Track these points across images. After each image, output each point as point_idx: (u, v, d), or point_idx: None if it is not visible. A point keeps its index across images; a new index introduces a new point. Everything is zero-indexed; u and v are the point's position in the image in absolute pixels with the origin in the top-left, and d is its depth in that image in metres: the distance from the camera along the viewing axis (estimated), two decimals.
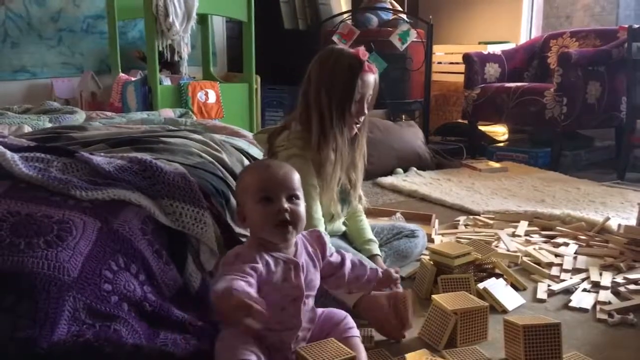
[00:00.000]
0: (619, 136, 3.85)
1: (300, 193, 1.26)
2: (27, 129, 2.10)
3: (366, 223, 1.80)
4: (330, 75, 1.61)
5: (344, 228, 1.82)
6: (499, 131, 4.55)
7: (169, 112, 2.73)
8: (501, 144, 4.27)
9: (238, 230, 1.66)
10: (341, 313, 1.34)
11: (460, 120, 4.48)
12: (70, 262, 1.19)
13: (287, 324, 1.23)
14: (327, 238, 1.35)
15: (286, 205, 1.21)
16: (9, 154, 1.42)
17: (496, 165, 3.68)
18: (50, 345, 1.10)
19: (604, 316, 1.62)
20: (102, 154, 1.68)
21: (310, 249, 1.31)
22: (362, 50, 1.62)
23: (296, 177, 1.27)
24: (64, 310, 1.14)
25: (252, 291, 1.06)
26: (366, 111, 1.65)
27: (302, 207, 1.25)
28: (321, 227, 1.58)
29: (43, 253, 1.16)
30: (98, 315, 1.20)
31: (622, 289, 1.78)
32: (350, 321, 1.34)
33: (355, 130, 1.67)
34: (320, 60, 1.65)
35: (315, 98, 1.62)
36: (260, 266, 1.17)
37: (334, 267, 1.35)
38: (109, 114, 2.63)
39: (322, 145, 1.60)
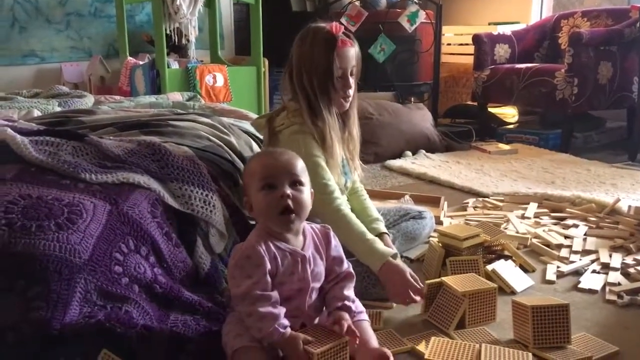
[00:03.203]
0: (630, 117, 3.81)
1: (304, 179, 1.25)
2: (36, 113, 2.11)
3: (370, 202, 1.80)
4: (308, 54, 1.60)
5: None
6: (509, 113, 4.51)
7: (177, 96, 2.73)
8: (511, 126, 4.24)
9: (246, 212, 1.67)
10: (350, 297, 1.34)
11: (469, 102, 4.45)
12: (81, 244, 1.20)
13: (293, 313, 1.23)
14: (335, 240, 1.33)
15: (289, 191, 1.21)
16: (19, 137, 1.43)
17: (506, 147, 3.65)
18: (63, 326, 1.12)
19: (614, 297, 1.62)
20: (111, 137, 1.68)
21: (317, 241, 1.30)
22: (336, 25, 1.60)
23: (299, 164, 1.26)
24: (75, 292, 1.15)
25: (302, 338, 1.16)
26: (352, 84, 1.63)
27: (306, 193, 1.24)
28: (337, 193, 1.58)
29: (54, 235, 1.17)
30: (109, 296, 1.22)
31: (631, 270, 1.78)
32: (359, 305, 1.34)
33: (346, 105, 1.66)
34: (299, 42, 1.63)
35: (298, 79, 1.62)
36: (268, 266, 1.19)
37: (336, 273, 1.31)
38: (117, 97, 2.64)
39: (315, 122, 1.60)
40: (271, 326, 1.15)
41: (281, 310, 1.18)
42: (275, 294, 1.19)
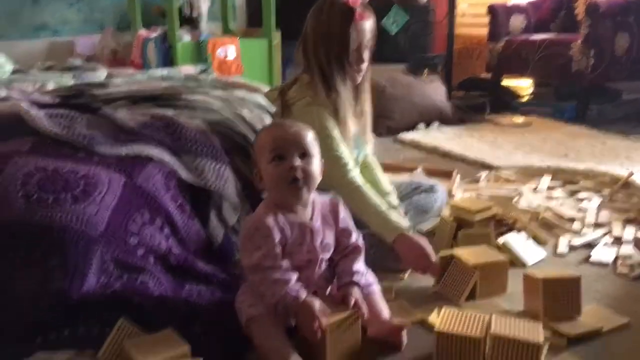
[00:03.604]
0: None
1: (313, 151, 1.25)
2: (50, 86, 2.13)
3: (382, 175, 1.80)
4: (324, 27, 1.58)
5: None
6: (524, 85, 4.46)
7: (189, 69, 2.73)
8: (525, 99, 4.19)
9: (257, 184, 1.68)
10: (360, 271, 1.34)
11: (483, 75, 4.40)
12: (97, 216, 1.22)
13: (303, 284, 1.24)
14: (344, 212, 1.33)
15: (297, 162, 1.22)
16: (34, 110, 1.44)
17: (520, 120, 3.62)
18: (81, 296, 1.15)
19: (625, 270, 1.62)
20: (124, 110, 1.70)
21: (326, 212, 1.31)
22: None
23: (309, 135, 1.26)
24: (92, 262, 1.18)
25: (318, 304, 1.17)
26: (366, 58, 1.63)
27: (315, 165, 1.24)
28: (350, 165, 1.58)
29: (71, 208, 1.19)
30: (125, 267, 1.24)
31: None
32: (370, 276, 1.36)
33: (359, 78, 1.65)
34: (314, 13, 1.62)
35: (312, 51, 1.61)
36: (278, 236, 1.20)
37: (345, 246, 1.33)
38: (130, 70, 2.65)
39: (329, 95, 1.59)
40: (283, 289, 1.17)
41: (293, 276, 1.20)
42: (286, 262, 1.21)
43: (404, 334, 1.25)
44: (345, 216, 1.33)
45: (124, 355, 1.11)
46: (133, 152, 1.43)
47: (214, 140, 1.59)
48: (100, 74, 2.45)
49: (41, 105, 1.55)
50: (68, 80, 2.30)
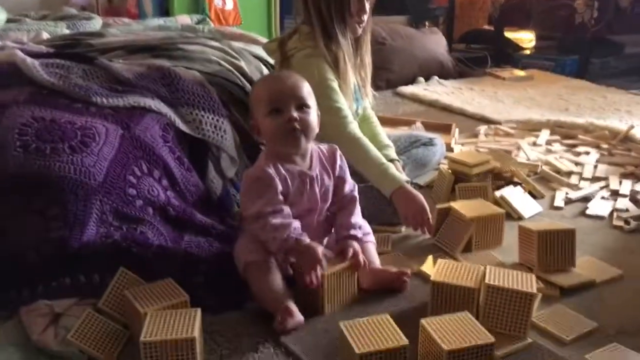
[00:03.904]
0: None
1: (310, 102, 1.26)
2: (45, 35, 2.09)
3: (381, 129, 1.80)
4: None
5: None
6: (526, 38, 4.39)
7: (185, 19, 2.68)
8: (527, 52, 4.13)
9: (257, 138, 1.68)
10: (357, 224, 1.35)
11: (486, 27, 4.33)
12: (95, 167, 1.22)
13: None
14: (341, 160, 1.35)
15: (295, 114, 1.22)
16: (29, 60, 1.42)
17: (521, 73, 3.58)
18: (81, 245, 1.16)
19: (620, 223, 1.63)
20: (120, 60, 1.67)
21: (324, 160, 1.32)
22: None
23: (305, 86, 1.27)
24: (91, 212, 1.19)
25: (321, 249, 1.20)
26: (367, 9, 1.60)
27: (312, 115, 1.26)
28: (350, 117, 1.58)
29: (69, 158, 1.19)
30: (125, 218, 1.25)
31: None
32: (366, 227, 1.38)
33: (360, 30, 1.63)
34: None
35: (313, 1, 1.58)
36: (280, 186, 1.21)
37: (342, 195, 1.34)
38: (125, 20, 2.60)
39: (329, 46, 1.58)
40: (285, 233, 1.18)
41: (295, 222, 1.21)
42: (287, 209, 1.22)
43: (407, 279, 1.29)
44: (342, 164, 1.35)
45: (125, 303, 1.14)
46: (130, 103, 1.41)
47: (212, 92, 1.57)
48: (96, 23, 2.41)
49: (36, 55, 1.53)
50: (63, 29, 2.26)
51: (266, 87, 1.28)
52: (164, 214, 1.35)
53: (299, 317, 1.15)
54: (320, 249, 1.19)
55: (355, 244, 1.28)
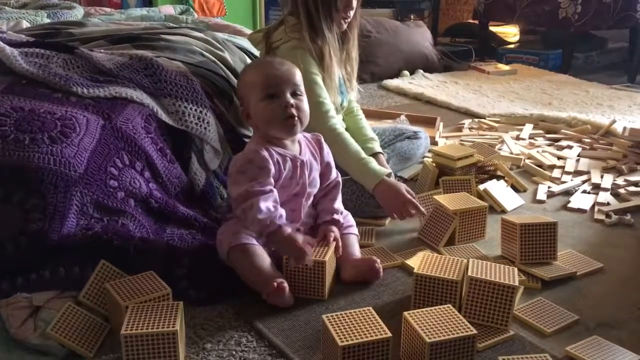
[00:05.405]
0: (633, 37, 3.73)
1: (302, 89, 1.28)
2: (25, 24, 2.05)
3: (365, 122, 1.80)
4: None
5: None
6: (510, 32, 4.41)
7: (169, 9, 2.65)
8: (511, 46, 4.15)
9: (241, 130, 1.67)
10: (339, 210, 1.38)
11: (470, 21, 4.34)
12: (76, 158, 1.20)
13: (288, 218, 1.26)
14: (327, 147, 1.38)
15: (292, 100, 1.24)
16: (8, 49, 1.39)
17: (505, 67, 3.60)
18: (61, 238, 1.14)
19: (602, 217, 1.65)
20: (102, 50, 1.65)
21: (312, 147, 1.35)
22: None
23: (298, 73, 1.28)
24: (72, 204, 1.17)
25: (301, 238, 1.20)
26: (354, 5, 1.60)
27: (305, 102, 1.27)
28: (332, 112, 1.58)
29: (48, 149, 1.17)
30: (106, 210, 1.24)
31: (621, 190, 1.80)
32: (350, 219, 1.40)
33: (345, 26, 1.63)
34: None
35: None
36: (273, 168, 1.22)
37: (327, 181, 1.38)
38: (107, 10, 2.56)
39: (314, 39, 1.57)
40: (269, 219, 1.18)
41: (280, 210, 1.21)
42: (275, 193, 1.22)
43: (379, 267, 1.29)
44: (328, 150, 1.38)
45: (106, 296, 1.12)
46: (111, 94, 1.39)
47: (195, 83, 1.55)
48: (77, 12, 2.37)
49: (16, 44, 1.50)
50: (43, 18, 2.22)
51: (260, 72, 1.28)
52: (146, 206, 1.33)
53: (289, 297, 1.18)
54: (300, 238, 1.19)
55: (335, 229, 1.31)
